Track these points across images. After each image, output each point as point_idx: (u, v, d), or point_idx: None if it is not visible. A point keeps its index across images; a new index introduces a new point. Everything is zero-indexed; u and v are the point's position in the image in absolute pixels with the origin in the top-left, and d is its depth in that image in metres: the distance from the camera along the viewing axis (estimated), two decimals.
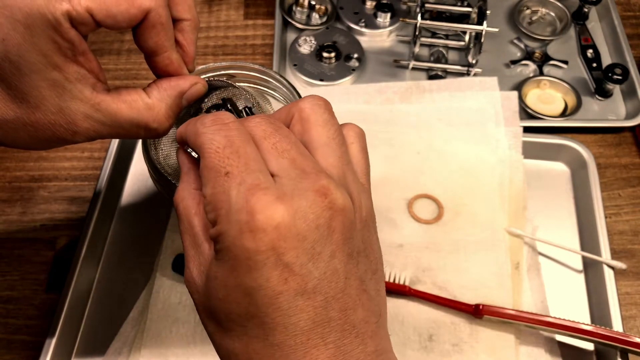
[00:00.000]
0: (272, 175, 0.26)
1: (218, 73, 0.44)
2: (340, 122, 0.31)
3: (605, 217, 0.53)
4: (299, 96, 0.42)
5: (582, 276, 0.52)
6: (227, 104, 0.42)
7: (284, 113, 0.30)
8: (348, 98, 0.58)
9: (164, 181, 0.40)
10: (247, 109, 0.43)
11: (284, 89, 0.44)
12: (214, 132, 0.27)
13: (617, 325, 0.47)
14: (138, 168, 0.57)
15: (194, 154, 0.31)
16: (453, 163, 0.55)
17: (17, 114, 0.31)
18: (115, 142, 0.57)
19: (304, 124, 0.29)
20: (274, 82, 0.44)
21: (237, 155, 0.26)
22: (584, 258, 0.52)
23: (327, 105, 0.30)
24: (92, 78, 0.32)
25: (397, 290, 0.48)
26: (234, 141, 0.27)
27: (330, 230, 0.26)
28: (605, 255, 0.50)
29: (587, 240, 0.53)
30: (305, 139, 0.29)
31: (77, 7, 0.29)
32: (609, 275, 0.49)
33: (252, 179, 0.25)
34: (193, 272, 0.28)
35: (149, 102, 0.33)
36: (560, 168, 0.58)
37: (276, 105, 0.45)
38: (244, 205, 0.25)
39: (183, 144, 0.31)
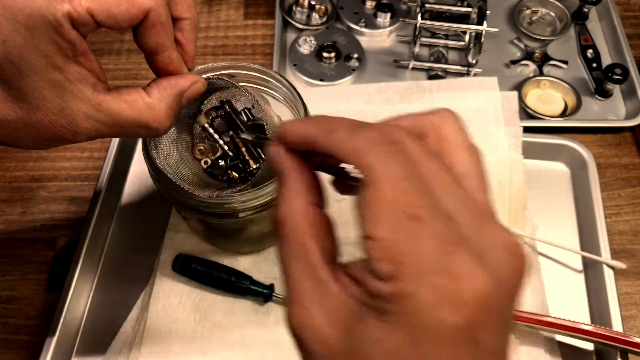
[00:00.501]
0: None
1: (218, 73, 0.44)
2: None
3: (605, 217, 0.53)
4: (299, 96, 0.42)
5: (582, 276, 0.52)
6: (225, 106, 0.42)
7: (408, 126, 0.25)
8: (348, 98, 0.58)
9: (164, 180, 0.40)
10: (246, 110, 0.43)
11: (284, 89, 0.44)
12: (389, 155, 0.22)
13: (617, 325, 0.47)
14: (138, 168, 0.58)
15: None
16: None
17: (19, 114, 0.31)
18: (115, 142, 0.57)
19: (443, 144, 0.25)
20: (274, 82, 0.44)
21: (426, 195, 0.22)
22: (584, 258, 0.52)
23: (462, 123, 0.26)
24: (93, 78, 0.32)
25: None
26: (420, 172, 0.22)
27: (516, 295, 0.22)
28: (605, 255, 0.50)
29: (587, 240, 0.53)
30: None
31: (78, 8, 0.29)
32: (608, 275, 0.49)
33: (448, 231, 0.21)
34: (315, 316, 0.23)
35: (150, 102, 0.33)
36: (560, 168, 0.58)
37: (276, 105, 0.45)
38: (444, 267, 0.20)
39: (301, 145, 0.26)
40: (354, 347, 0.22)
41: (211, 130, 0.43)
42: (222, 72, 0.44)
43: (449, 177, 0.23)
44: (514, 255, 0.22)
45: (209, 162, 0.43)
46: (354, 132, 0.23)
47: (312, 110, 0.43)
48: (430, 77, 0.64)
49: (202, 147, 0.43)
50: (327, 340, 0.22)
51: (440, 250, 0.20)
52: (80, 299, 0.49)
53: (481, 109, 0.57)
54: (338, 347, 0.22)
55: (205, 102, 0.43)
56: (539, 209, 0.54)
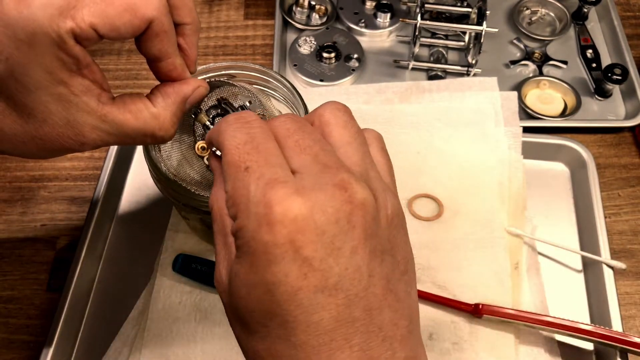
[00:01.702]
0: (294, 172, 0.26)
1: (218, 73, 0.44)
2: None
3: (605, 217, 0.53)
4: (299, 96, 0.43)
5: (581, 276, 0.52)
6: (221, 103, 0.42)
7: (304, 120, 0.30)
8: (348, 98, 0.58)
9: (165, 180, 0.40)
10: (244, 106, 0.43)
11: (284, 89, 0.44)
12: (236, 129, 0.27)
13: (617, 325, 0.47)
14: (139, 168, 0.58)
15: (219, 153, 0.30)
16: (453, 163, 0.55)
17: (25, 128, 0.31)
18: None
19: (325, 127, 0.29)
20: (274, 82, 0.44)
21: (257, 151, 0.26)
22: (584, 258, 0.52)
23: (345, 109, 0.30)
24: (97, 89, 0.32)
25: None
26: (254, 137, 0.27)
27: (351, 225, 0.25)
28: (605, 255, 0.50)
29: (587, 240, 0.53)
30: (327, 142, 0.29)
31: (81, 24, 0.29)
32: (608, 275, 0.50)
33: (271, 173, 0.25)
34: (222, 272, 0.28)
35: (154, 112, 0.34)
36: (559, 168, 0.58)
37: (276, 105, 0.45)
38: (261, 198, 0.24)
39: (211, 146, 0.30)
40: (231, 285, 0.27)
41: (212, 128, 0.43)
42: (223, 72, 0.44)
43: (310, 142, 0.27)
44: (338, 186, 0.25)
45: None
46: (220, 121, 0.29)
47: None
48: (430, 78, 0.64)
49: (204, 144, 0.43)
50: (224, 287, 0.27)
51: (262, 188, 0.25)
52: (80, 299, 0.49)
53: (481, 109, 0.57)
54: (227, 290, 0.27)
55: (206, 99, 0.43)
56: (539, 208, 0.54)
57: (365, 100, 0.58)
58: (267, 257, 0.24)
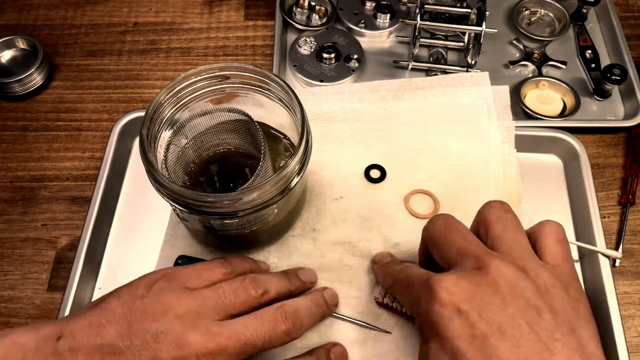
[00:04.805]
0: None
1: (213, 74, 0.44)
2: (336, 121, 0.31)
3: (603, 217, 0.53)
4: (295, 96, 0.42)
5: (577, 266, 0.52)
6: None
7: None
8: (342, 97, 0.58)
9: (162, 183, 0.40)
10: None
11: (279, 89, 0.44)
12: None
13: (617, 325, 0.47)
14: (137, 168, 0.58)
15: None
16: (447, 158, 0.55)
17: None
18: (112, 143, 0.57)
19: (485, 225, 0.39)
20: (270, 82, 0.44)
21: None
22: (580, 249, 0.52)
23: (505, 206, 0.40)
24: None
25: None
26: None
27: (495, 287, 0.34)
28: (600, 245, 0.51)
29: (582, 231, 0.53)
30: (487, 236, 0.38)
31: None
32: (604, 265, 0.50)
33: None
34: None
35: None
36: (552, 160, 0.58)
37: (273, 105, 0.45)
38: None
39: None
40: None
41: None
42: (217, 73, 0.44)
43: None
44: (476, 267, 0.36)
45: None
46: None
47: (308, 111, 0.43)
48: None
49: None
50: None
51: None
52: (81, 299, 0.50)
53: (473, 104, 0.57)
54: None
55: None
56: (533, 201, 0.54)
57: (359, 98, 0.58)
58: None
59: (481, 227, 0.39)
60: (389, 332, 0.46)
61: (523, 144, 0.56)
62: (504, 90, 0.58)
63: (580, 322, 0.34)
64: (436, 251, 0.39)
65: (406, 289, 0.39)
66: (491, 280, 0.34)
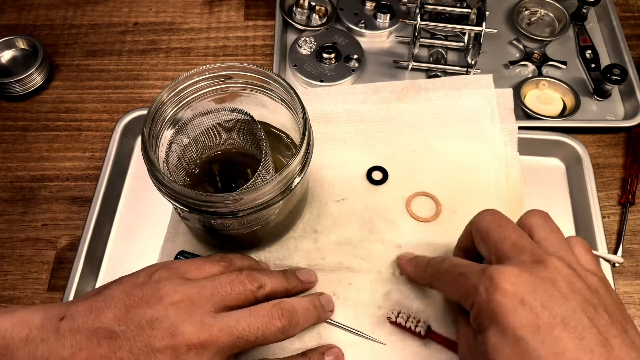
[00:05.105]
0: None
1: (216, 74, 0.44)
2: (339, 122, 0.31)
3: (604, 217, 0.53)
4: (297, 96, 0.43)
5: None
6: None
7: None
8: (344, 98, 0.58)
9: (164, 182, 0.40)
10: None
11: (281, 89, 0.44)
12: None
13: None
14: (138, 167, 0.58)
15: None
16: (450, 161, 0.55)
17: None
18: (114, 141, 0.57)
19: (528, 228, 0.40)
20: (271, 82, 0.44)
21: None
22: None
23: (546, 215, 0.42)
24: None
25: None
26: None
27: (554, 282, 0.35)
28: (602, 249, 0.51)
29: (584, 235, 0.53)
30: (532, 237, 0.39)
31: None
32: (606, 269, 0.50)
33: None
34: None
35: None
36: (555, 164, 0.58)
37: (275, 105, 0.45)
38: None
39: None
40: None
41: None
42: (220, 72, 0.44)
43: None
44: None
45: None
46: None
47: (310, 111, 0.43)
48: (430, 78, 0.64)
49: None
50: None
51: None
52: None
53: (477, 106, 0.57)
54: None
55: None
56: (536, 204, 0.53)
57: (362, 99, 0.58)
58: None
59: (524, 230, 0.40)
60: (384, 344, 0.46)
61: (526, 147, 0.57)
62: (508, 94, 0.58)
63: (628, 323, 0.35)
64: (487, 244, 0.40)
65: (456, 278, 0.39)
66: (550, 275, 0.35)
